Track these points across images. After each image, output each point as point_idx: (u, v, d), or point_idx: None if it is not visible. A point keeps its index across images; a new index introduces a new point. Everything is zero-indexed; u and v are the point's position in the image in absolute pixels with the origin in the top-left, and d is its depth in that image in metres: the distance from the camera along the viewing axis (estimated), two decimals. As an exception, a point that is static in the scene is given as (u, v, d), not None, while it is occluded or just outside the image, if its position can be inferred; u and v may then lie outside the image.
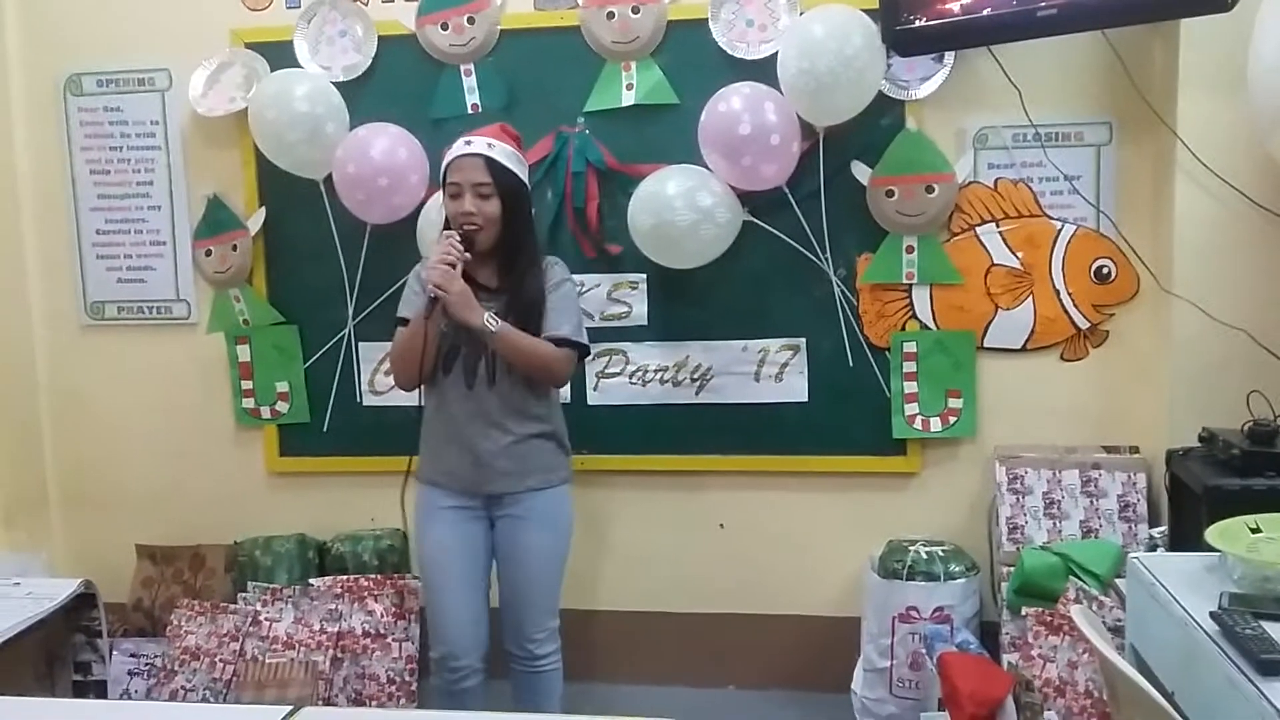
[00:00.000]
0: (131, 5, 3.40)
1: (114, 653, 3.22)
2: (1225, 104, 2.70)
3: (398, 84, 3.26)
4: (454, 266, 2.53)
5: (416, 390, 2.71)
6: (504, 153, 2.63)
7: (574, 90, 3.19)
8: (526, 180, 2.71)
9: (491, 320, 2.54)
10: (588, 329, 2.96)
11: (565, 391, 3.13)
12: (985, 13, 2.68)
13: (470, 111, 3.22)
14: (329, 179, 3.18)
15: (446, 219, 2.68)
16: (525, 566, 2.71)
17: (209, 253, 3.40)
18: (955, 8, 2.70)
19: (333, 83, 3.20)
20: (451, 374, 2.66)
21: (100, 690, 2.91)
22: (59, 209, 3.52)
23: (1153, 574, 1.96)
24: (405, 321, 2.67)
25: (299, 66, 3.24)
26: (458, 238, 2.55)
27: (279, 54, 3.26)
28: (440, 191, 2.72)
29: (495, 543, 2.76)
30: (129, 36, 3.41)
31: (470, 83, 3.23)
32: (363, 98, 3.24)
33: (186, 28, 3.35)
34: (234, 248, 3.37)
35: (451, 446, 2.69)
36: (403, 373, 2.69)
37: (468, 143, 2.62)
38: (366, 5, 3.27)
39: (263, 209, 3.36)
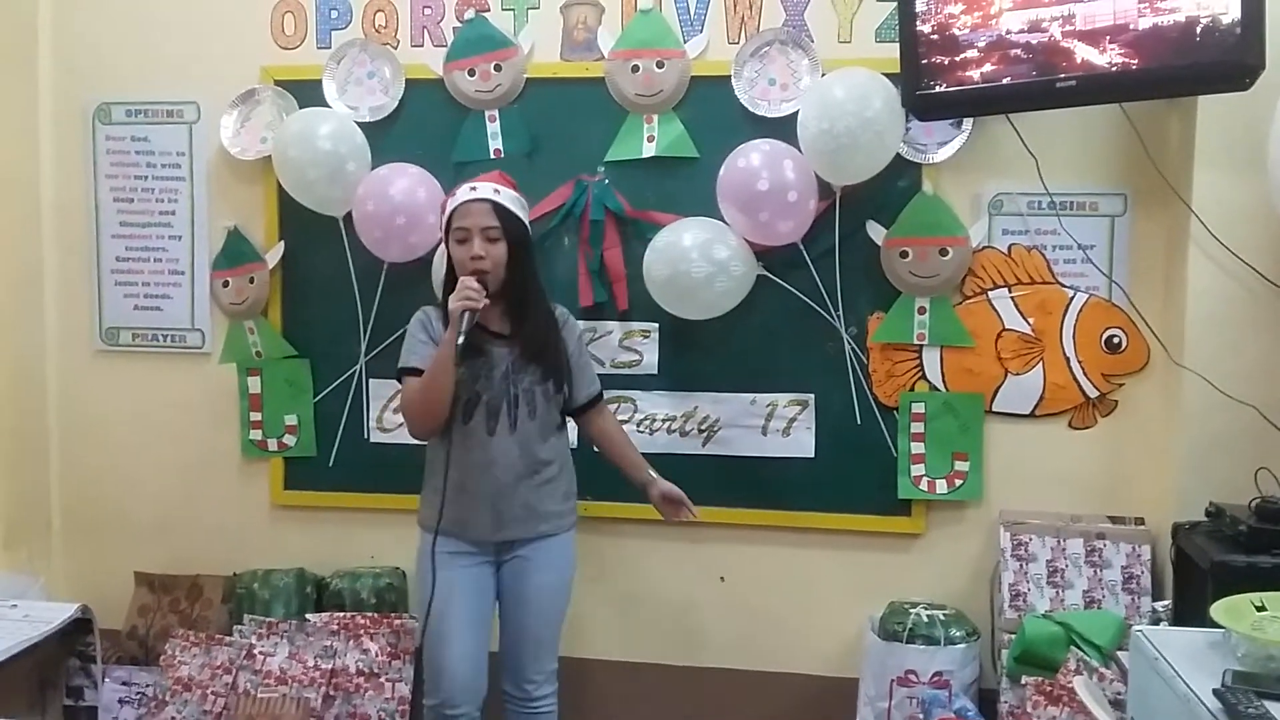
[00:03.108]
0: (164, 38, 3.47)
1: (106, 680, 3.20)
2: (1240, 180, 2.72)
3: (423, 127, 3.30)
4: (474, 312, 2.54)
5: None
6: (510, 198, 2.67)
7: (596, 140, 3.23)
8: (529, 227, 2.75)
9: (653, 475, 2.90)
10: (598, 375, 3.00)
11: (572, 436, 3.14)
12: (1005, 82, 2.71)
13: (493, 156, 3.26)
14: (348, 216, 3.22)
15: (450, 267, 2.70)
16: (531, 606, 2.74)
17: (226, 284, 3.43)
18: (975, 75, 2.74)
19: (359, 123, 3.25)
20: (473, 421, 2.67)
21: (91, 717, 2.88)
22: (81, 234, 3.56)
23: (1156, 648, 1.95)
24: (414, 371, 2.66)
25: (327, 105, 3.29)
26: (474, 281, 2.57)
27: (308, 93, 3.31)
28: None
29: (500, 584, 2.77)
30: (160, 68, 3.47)
31: (494, 128, 3.28)
32: (387, 138, 3.28)
33: (218, 63, 3.41)
34: (251, 280, 3.40)
35: (465, 495, 2.68)
36: (426, 414, 2.64)
37: (473, 189, 2.66)
38: (396, 49, 3.32)
39: (282, 243, 3.40)
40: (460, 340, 2.52)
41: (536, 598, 2.74)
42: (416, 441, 2.80)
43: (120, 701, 3.28)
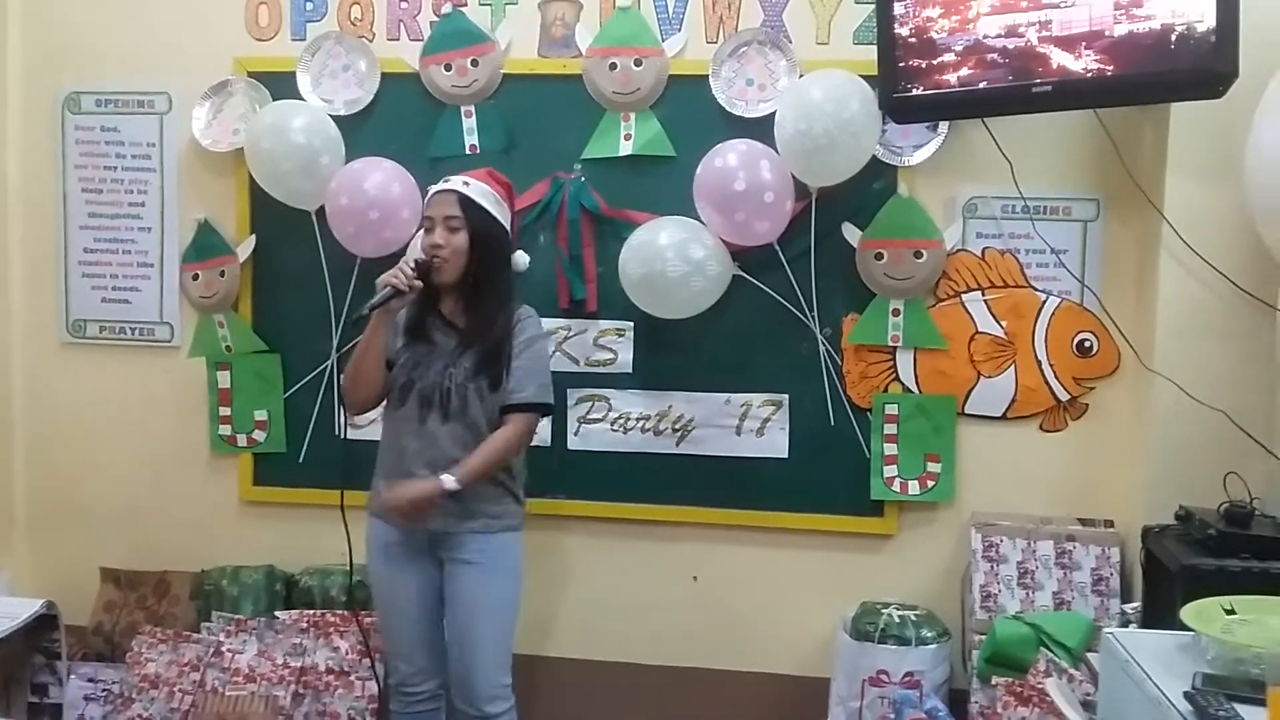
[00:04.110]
0: (136, 27, 3.42)
1: (71, 677, 3.15)
2: (1212, 188, 2.75)
3: (398, 121, 3.28)
4: (396, 290, 2.57)
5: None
6: (479, 190, 2.67)
7: (572, 137, 3.21)
8: (505, 224, 2.73)
9: (447, 480, 2.56)
10: (572, 374, 2.98)
11: (545, 435, 3.13)
12: (981, 86, 2.73)
13: (468, 152, 3.24)
14: (321, 210, 3.19)
15: None
16: (470, 611, 2.67)
17: (196, 277, 3.38)
18: (952, 79, 2.75)
19: (333, 116, 3.22)
20: (405, 407, 2.67)
21: (56, 714, 2.86)
22: (48, 224, 3.50)
23: (1127, 650, 1.96)
24: None
25: (300, 98, 3.25)
26: (412, 263, 2.60)
27: (281, 84, 3.28)
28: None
29: (443, 588, 2.73)
30: (132, 58, 3.42)
31: (470, 124, 3.25)
32: (362, 132, 3.25)
33: (190, 53, 3.37)
34: (221, 273, 3.36)
35: (395, 481, 2.66)
36: (350, 385, 2.72)
37: (445, 180, 2.69)
38: (371, 42, 3.29)
39: (253, 236, 3.36)
40: (365, 311, 2.58)
41: (474, 600, 2.66)
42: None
43: (86, 699, 3.24)
